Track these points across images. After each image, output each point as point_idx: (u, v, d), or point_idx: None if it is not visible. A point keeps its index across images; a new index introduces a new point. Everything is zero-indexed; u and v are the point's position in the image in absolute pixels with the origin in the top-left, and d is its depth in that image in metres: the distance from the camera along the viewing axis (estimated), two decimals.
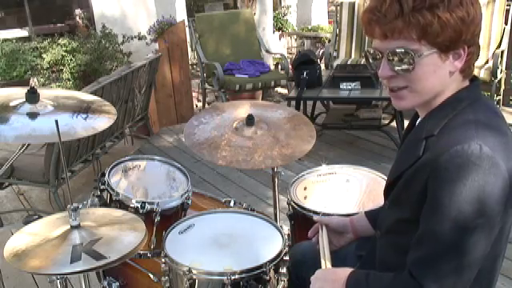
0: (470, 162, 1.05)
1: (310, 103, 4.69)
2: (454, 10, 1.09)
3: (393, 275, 1.19)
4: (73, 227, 1.46)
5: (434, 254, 1.10)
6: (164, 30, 5.18)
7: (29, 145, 2.02)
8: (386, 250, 1.32)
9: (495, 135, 1.10)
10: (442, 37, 1.10)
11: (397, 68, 1.15)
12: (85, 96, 1.94)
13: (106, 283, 1.99)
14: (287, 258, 1.58)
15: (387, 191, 1.33)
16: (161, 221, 1.83)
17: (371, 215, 1.55)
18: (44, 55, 5.84)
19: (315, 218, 1.66)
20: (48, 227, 1.51)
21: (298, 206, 1.90)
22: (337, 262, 1.46)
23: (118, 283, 1.98)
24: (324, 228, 1.56)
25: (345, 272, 1.27)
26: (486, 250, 1.11)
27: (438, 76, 1.15)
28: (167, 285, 1.61)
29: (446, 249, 1.08)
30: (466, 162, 1.05)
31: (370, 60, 1.22)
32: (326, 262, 1.41)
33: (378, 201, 1.56)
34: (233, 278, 1.46)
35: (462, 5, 1.10)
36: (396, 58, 1.14)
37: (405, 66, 1.13)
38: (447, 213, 1.06)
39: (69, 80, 5.73)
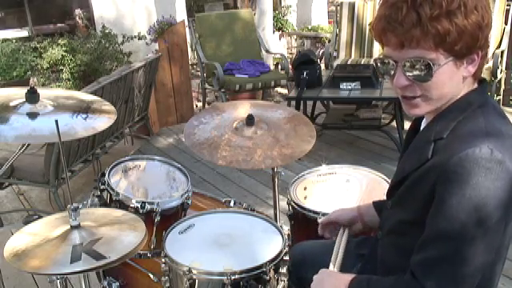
0: (481, 166, 1.04)
1: (310, 103, 4.69)
2: (470, 16, 1.07)
3: (395, 277, 1.18)
4: (73, 227, 1.46)
5: (439, 256, 1.09)
6: (164, 30, 5.18)
7: (29, 145, 2.02)
8: (387, 250, 1.32)
9: (505, 140, 1.10)
10: (460, 44, 1.08)
11: (413, 78, 1.13)
12: (85, 96, 1.94)
13: (106, 283, 1.99)
14: (287, 257, 1.58)
15: (391, 192, 1.32)
16: (161, 221, 1.83)
17: (379, 206, 1.54)
18: (44, 55, 5.84)
19: (320, 220, 1.65)
20: (48, 227, 1.51)
21: (298, 206, 1.90)
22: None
23: (118, 283, 1.98)
24: (346, 232, 1.55)
25: (349, 276, 1.26)
26: (492, 254, 1.10)
27: (452, 82, 1.14)
28: (167, 285, 1.61)
29: (452, 251, 1.07)
30: (476, 165, 1.04)
31: (381, 67, 1.20)
32: (334, 267, 1.40)
33: None
34: (233, 278, 1.46)
35: (477, 10, 1.08)
36: (412, 68, 1.12)
37: (422, 76, 1.12)
38: (455, 216, 1.05)
39: (69, 80, 5.74)
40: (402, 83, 1.15)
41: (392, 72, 1.17)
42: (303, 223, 1.87)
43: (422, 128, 1.29)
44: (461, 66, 1.13)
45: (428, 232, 1.12)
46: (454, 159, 1.06)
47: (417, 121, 1.34)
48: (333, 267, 1.40)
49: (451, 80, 1.14)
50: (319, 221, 1.66)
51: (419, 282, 1.10)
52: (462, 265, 1.07)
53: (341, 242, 1.50)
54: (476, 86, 1.20)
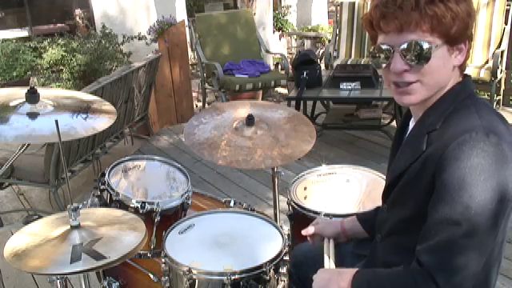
0: (479, 149, 1.07)
1: (310, 103, 4.69)
2: (461, 3, 1.13)
3: (400, 267, 1.18)
4: (73, 227, 1.46)
5: (444, 240, 1.09)
6: (164, 30, 5.18)
7: (29, 145, 2.02)
8: (388, 251, 1.32)
9: (497, 125, 1.13)
10: (454, 29, 1.13)
11: (411, 61, 1.15)
12: (85, 96, 1.94)
13: (106, 283, 1.99)
14: (287, 258, 1.58)
15: (386, 194, 1.32)
16: (161, 221, 1.83)
17: (363, 218, 1.56)
18: (44, 55, 5.84)
19: (304, 232, 1.62)
20: (48, 227, 1.51)
21: (298, 206, 1.90)
22: (336, 260, 1.46)
23: (117, 283, 1.98)
24: (331, 241, 1.56)
25: (351, 271, 1.26)
26: (495, 235, 1.10)
27: (446, 69, 1.18)
28: (167, 285, 1.61)
29: (457, 235, 1.07)
30: (474, 148, 1.07)
31: (377, 59, 1.21)
32: (329, 262, 1.41)
33: (378, 201, 1.55)
34: (233, 277, 1.46)
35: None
36: (410, 51, 1.14)
37: (420, 59, 1.14)
38: (457, 199, 1.07)
39: (69, 80, 5.73)
40: (400, 67, 1.17)
41: (388, 60, 1.18)
42: (303, 223, 1.86)
43: (411, 125, 1.30)
44: (452, 54, 1.17)
45: (431, 219, 1.12)
46: (453, 145, 1.09)
47: (405, 120, 1.36)
48: (328, 265, 1.40)
49: (444, 67, 1.17)
50: (303, 232, 1.62)
51: (426, 269, 1.10)
52: (468, 246, 1.07)
53: (329, 248, 1.50)
54: (461, 79, 1.23)
